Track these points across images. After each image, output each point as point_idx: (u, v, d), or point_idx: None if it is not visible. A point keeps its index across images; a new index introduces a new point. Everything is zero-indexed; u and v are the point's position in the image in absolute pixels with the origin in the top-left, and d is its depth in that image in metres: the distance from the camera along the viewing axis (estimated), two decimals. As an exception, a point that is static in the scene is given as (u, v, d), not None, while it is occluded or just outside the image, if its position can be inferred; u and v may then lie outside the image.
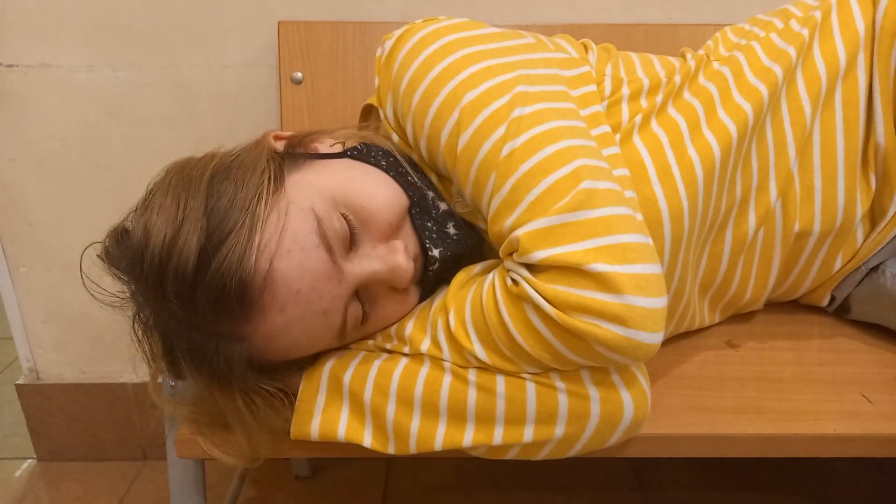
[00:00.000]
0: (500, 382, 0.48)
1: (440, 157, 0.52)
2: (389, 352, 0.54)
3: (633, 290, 0.43)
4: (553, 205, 0.45)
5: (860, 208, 0.62)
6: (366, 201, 0.51)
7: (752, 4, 0.76)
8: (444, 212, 0.56)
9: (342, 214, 0.50)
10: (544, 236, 0.44)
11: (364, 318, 0.52)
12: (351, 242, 0.50)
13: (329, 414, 0.52)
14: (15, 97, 0.92)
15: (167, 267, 0.46)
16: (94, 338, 1.05)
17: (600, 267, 0.43)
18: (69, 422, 1.08)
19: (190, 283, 0.45)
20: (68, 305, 1.02)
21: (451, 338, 0.50)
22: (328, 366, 0.53)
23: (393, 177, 0.54)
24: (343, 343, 0.54)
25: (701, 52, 0.66)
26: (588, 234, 0.44)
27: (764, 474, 1.04)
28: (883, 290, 0.64)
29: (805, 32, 0.61)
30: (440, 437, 0.49)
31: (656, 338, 0.44)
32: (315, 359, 0.55)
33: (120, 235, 0.51)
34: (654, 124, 0.58)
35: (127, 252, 0.49)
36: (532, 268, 0.46)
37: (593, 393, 0.47)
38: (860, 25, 0.61)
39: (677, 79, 0.61)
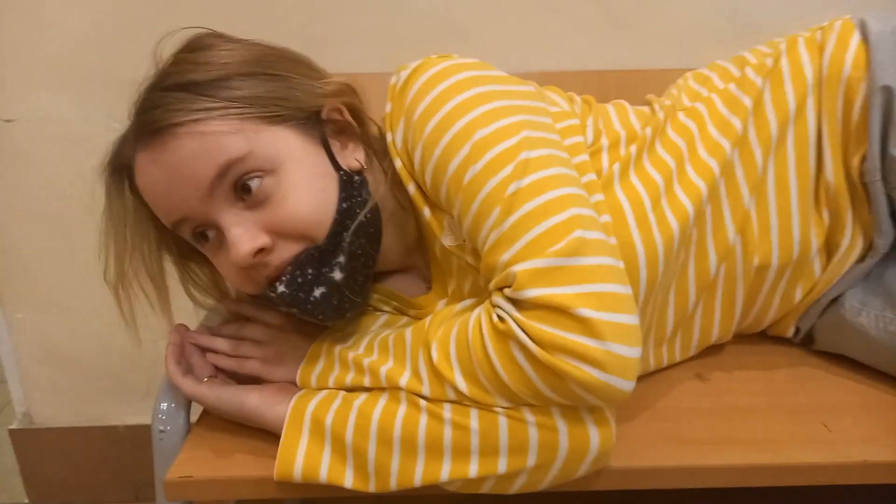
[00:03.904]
0: (474, 418, 0.50)
1: (444, 186, 0.54)
2: (368, 389, 0.56)
3: (614, 337, 0.46)
4: (548, 247, 0.48)
5: (815, 242, 0.65)
6: (293, 200, 0.54)
7: (716, 52, 0.80)
8: (330, 281, 0.56)
9: (265, 182, 0.54)
10: (541, 276, 0.47)
11: (201, 244, 0.57)
12: (245, 202, 0.54)
13: (311, 456, 0.53)
14: (14, 149, 0.95)
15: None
16: (88, 381, 1.06)
17: (587, 312, 0.46)
18: (63, 465, 1.09)
19: (144, 97, 0.55)
20: (63, 349, 1.04)
21: (433, 370, 0.52)
22: (310, 408, 0.55)
23: (338, 211, 0.56)
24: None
25: (668, 102, 0.70)
26: (579, 280, 0.47)
27: (755, 490, 1.03)
28: (843, 321, 0.67)
29: (759, 81, 0.65)
30: (419, 474, 0.51)
31: (629, 385, 0.47)
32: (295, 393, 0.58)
33: None
34: (632, 177, 0.61)
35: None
36: (520, 304, 0.48)
37: (561, 426, 0.50)
38: (808, 71, 0.64)
39: (648, 131, 0.64)
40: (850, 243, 0.65)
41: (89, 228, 0.99)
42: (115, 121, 0.95)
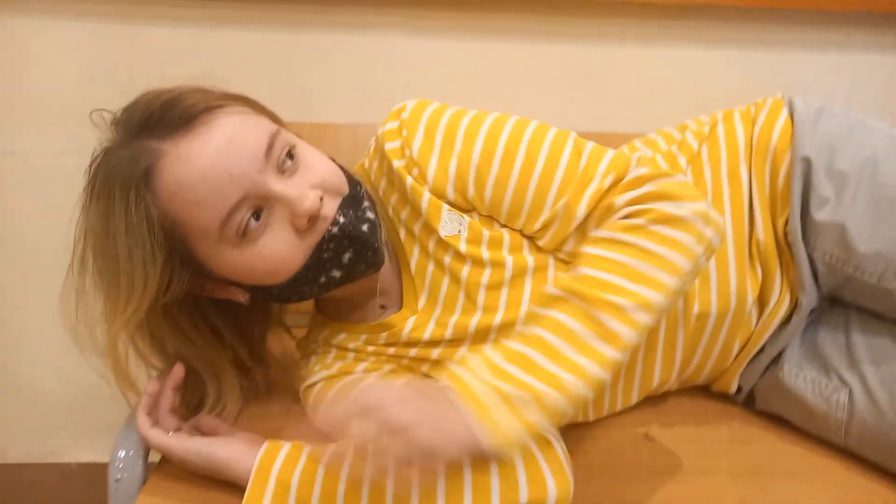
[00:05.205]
0: (441, 483, 0.54)
1: (496, 160, 0.61)
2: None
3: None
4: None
5: (751, 294, 0.70)
6: (320, 163, 0.61)
7: (665, 118, 0.87)
8: (369, 219, 0.61)
9: (297, 151, 0.59)
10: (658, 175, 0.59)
11: (247, 235, 0.56)
12: (286, 172, 0.58)
13: None
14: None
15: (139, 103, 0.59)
16: (40, 417, 1.05)
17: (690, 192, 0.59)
18: (12, 502, 1.06)
19: (153, 102, 0.57)
20: (18, 384, 1.03)
21: (591, 322, 0.53)
22: (275, 470, 0.56)
23: (343, 170, 0.63)
24: (235, 246, 0.57)
25: None
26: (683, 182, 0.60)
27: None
28: (780, 382, 0.71)
29: (695, 144, 0.73)
30: None
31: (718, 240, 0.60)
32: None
33: None
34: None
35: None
36: (653, 190, 0.58)
37: (521, 477, 0.54)
38: (741, 138, 0.72)
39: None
40: (779, 298, 0.70)
41: (56, 262, 0.99)
42: (89, 156, 0.97)
